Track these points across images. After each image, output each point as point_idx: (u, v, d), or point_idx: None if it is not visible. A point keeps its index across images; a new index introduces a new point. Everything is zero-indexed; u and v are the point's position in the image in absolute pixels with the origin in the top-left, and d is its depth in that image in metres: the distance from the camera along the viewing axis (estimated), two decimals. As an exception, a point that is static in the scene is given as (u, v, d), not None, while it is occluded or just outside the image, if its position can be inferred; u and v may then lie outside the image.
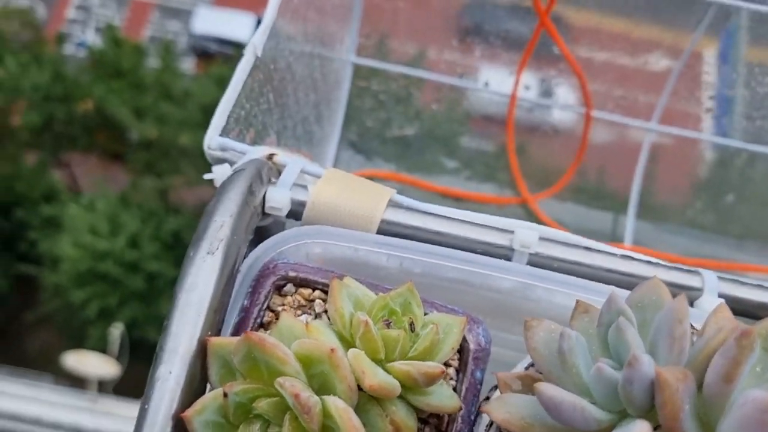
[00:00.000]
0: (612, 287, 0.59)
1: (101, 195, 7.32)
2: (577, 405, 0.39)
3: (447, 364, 0.54)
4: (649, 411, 0.40)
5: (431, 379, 0.46)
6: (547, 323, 0.46)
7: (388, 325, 0.49)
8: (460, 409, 0.50)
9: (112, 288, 6.82)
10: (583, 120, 1.33)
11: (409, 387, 0.48)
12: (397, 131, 1.38)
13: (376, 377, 0.45)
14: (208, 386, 0.51)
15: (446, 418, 0.52)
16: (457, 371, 0.54)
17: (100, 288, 6.78)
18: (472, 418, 0.52)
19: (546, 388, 0.39)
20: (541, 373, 0.48)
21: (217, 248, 0.52)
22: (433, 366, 0.46)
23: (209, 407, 0.46)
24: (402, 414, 0.48)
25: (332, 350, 0.44)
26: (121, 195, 7.27)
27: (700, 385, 0.40)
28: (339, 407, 0.43)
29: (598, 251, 0.64)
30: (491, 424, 0.49)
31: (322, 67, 1.13)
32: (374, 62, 1.32)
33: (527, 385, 0.47)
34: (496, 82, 1.30)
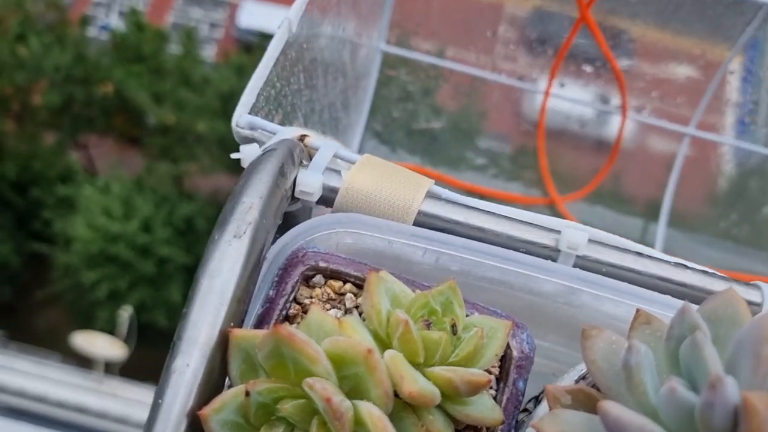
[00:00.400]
0: (667, 297, 0.55)
1: (116, 178, 7.33)
2: (646, 429, 0.34)
3: (488, 372, 0.50)
4: (728, 439, 0.35)
5: (475, 388, 0.42)
6: (608, 334, 0.41)
7: (428, 326, 0.44)
8: (503, 422, 0.45)
9: (123, 271, 6.82)
10: (619, 123, 1.28)
11: (449, 395, 0.44)
12: (424, 124, 1.33)
13: (416, 383, 0.40)
14: (227, 381, 0.47)
15: (485, 431, 0.48)
16: (498, 380, 0.50)
17: (110, 270, 6.79)
18: (512, 431, 0.48)
19: (611, 407, 0.34)
20: (597, 389, 0.43)
21: (245, 232, 0.47)
22: (478, 374, 0.42)
23: (228, 406, 0.42)
24: (439, 425, 0.43)
25: (369, 351, 0.39)
26: (136, 179, 7.27)
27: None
28: (374, 414, 0.39)
29: (650, 257, 0.59)
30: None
31: (352, 52, 1.09)
32: (404, 51, 1.27)
33: (579, 401, 0.43)
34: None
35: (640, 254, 0.60)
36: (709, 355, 0.36)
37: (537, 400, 0.52)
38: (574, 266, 0.58)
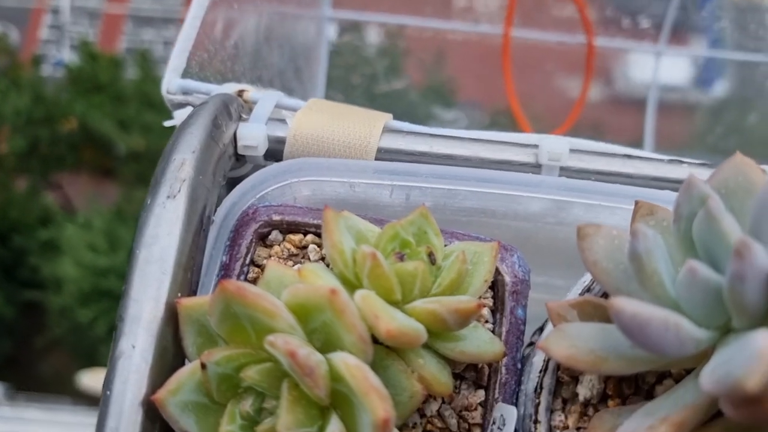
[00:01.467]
0: (667, 192, 0.49)
1: (96, 212, 7.20)
2: (670, 323, 0.28)
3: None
4: (764, 319, 0.29)
5: (465, 317, 0.36)
6: (608, 229, 0.36)
7: (401, 259, 0.38)
8: (504, 355, 0.40)
9: (118, 303, 6.72)
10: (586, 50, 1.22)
11: (437, 333, 0.38)
12: (386, 86, 1.27)
13: (394, 320, 0.34)
14: (187, 362, 0.41)
15: (486, 370, 0.42)
16: (493, 312, 0.44)
17: (105, 305, 6.68)
18: (519, 366, 0.42)
19: (626, 304, 0.29)
20: (604, 296, 0.38)
21: (179, 190, 0.41)
22: (466, 300, 0.36)
23: (186, 385, 0.36)
24: (432, 368, 0.37)
25: (333, 291, 0.33)
26: (115, 209, 7.15)
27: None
28: (350, 364, 0.33)
29: (641, 158, 0.53)
30: (546, 368, 0.39)
31: (295, 19, 1.03)
32: (353, 14, 1.21)
33: (587, 314, 0.37)
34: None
35: (629, 156, 0.54)
36: (729, 224, 0.31)
37: (541, 330, 0.46)
38: (560, 180, 0.52)
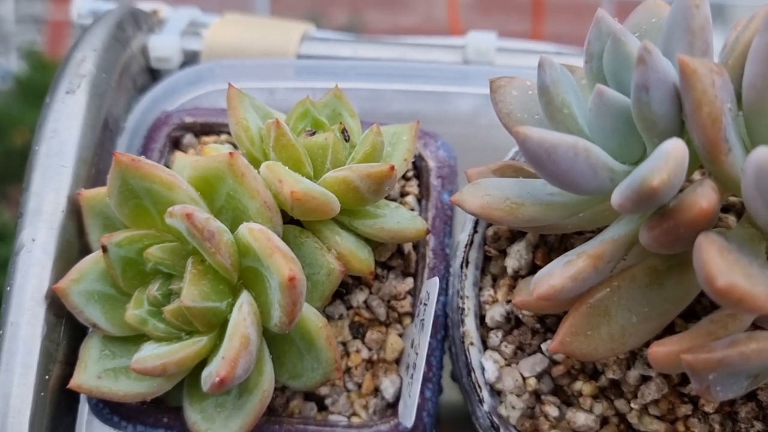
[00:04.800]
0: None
1: (55, 224, 7.07)
2: (579, 147, 0.27)
3: (403, 194, 0.43)
4: (677, 134, 0.28)
5: (378, 182, 0.34)
6: (521, 80, 0.34)
7: (312, 135, 0.37)
8: (428, 232, 0.38)
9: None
10: None
11: (354, 210, 0.36)
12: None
13: (299, 183, 0.33)
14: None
15: (414, 256, 0.41)
16: (419, 199, 0.42)
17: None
18: (446, 251, 0.41)
19: (532, 131, 0.27)
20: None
21: (79, 86, 0.39)
22: (378, 165, 0.34)
23: (89, 274, 0.34)
24: (350, 244, 0.36)
25: (231, 154, 0.32)
26: (76, 220, 7.03)
27: (738, 95, 0.29)
28: (253, 228, 0.31)
29: (572, 55, 0.52)
30: (471, 242, 0.38)
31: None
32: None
33: (507, 176, 0.36)
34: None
35: (559, 53, 0.53)
36: (634, 44, 0.29)
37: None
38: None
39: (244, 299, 0.32)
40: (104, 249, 0.33)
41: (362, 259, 0.36)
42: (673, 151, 0.25)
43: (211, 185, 0.33)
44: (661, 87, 0.27)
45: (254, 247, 0.31)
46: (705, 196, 0.26)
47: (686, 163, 0.26)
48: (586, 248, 0.30)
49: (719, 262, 0.24)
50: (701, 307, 0.35)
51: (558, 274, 0.28)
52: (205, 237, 0.30)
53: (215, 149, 0.36)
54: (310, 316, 0.34)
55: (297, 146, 0.34)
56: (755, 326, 0.30)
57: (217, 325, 0.33)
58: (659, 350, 0.28)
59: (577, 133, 0.30)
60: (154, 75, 0.50)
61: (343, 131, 0.37)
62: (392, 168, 0.34)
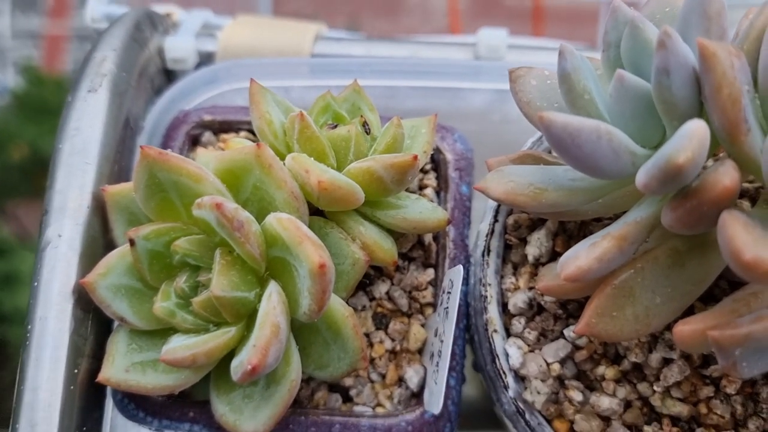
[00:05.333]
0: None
1: (54, 238, 7.05)
2: (602, 130, 0.28)
3: (422, 186, 0.43)
4: (697, 116, 0.29)
5: (401, 172, 0.35)
6: (540, 69, 0.35)
7: (334, 128, 0.37)
8: (449, 222, 0.39)
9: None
10: None
11: (377, 202, 0.37)
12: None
13: (325, 173, 0.33)
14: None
15: (434, 247, 0.41)
16: (437, 191, 0.43)
17: (70, 332, 6.55)
18: (466, 242, 0.41)
19: (557, 115, 0.28)
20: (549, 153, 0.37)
21: (101, 84, 0.40)
22: (401, 155, 0.35)
23: (116, 268, 0.35)
24: (374, 234, 0.36)
25: (258, 145, 0.32)
26: (74, 234, 7.02)
27: (755, 79, 0.29)
28: (281, 218, 0.32)
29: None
30: (492, 231, 0.38)
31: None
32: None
33: (527, 164, 0.36)
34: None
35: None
36: (652, 31, 0.30)
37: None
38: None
39: (273, 289, 0.32)
40: (132, 242, 0.33)
41: (386, 249, 0.36)
42: (696, 131, 0.26)
43: (237, 177, 0.34)
44: (681, 70, 0.27)
45: (283, 236, 0.31)
46: (728, 174, 0.26)
47: (708, 143, 0.27)
48: (611, 230, 0.30)
49: (745, 237, 0.25)
50: (720, 290, 0.36)
51: (584, 256, 0.29)
52: (234, 227, 0.31)
53: (240, 142, 0.36)
54: (337, 305, 0.34)
55: (321, 138, 0.35)
56: (777, 304, 0.30)
57: (245, 316, 0.33)
58: (685, 329, 0.29)
59: (597, 118, 0.31)
60: (169, 76, 0.50)
61: (364, 124, 0.38)
62: (415, 158, 0.34)
